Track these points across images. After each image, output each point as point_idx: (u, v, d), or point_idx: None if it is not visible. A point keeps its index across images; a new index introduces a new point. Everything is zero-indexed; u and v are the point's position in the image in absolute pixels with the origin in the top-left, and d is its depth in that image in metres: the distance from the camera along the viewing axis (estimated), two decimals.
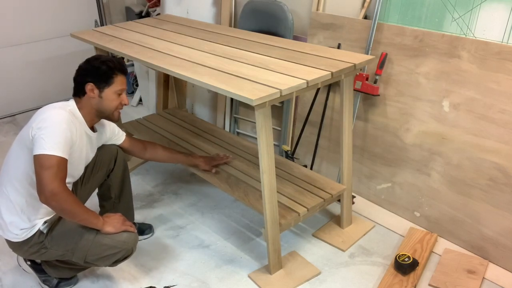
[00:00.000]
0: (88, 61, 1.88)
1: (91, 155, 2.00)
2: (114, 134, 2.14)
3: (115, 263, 1.86)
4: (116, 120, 1.96)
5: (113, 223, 1.83)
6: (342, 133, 2.18)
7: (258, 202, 2.12)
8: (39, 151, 1.66)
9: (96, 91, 1.83)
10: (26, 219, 1.79)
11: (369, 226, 2.42)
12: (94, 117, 1.90)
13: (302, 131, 2.76)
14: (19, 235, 1.80)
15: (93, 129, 1.96)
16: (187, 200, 2.70)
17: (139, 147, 2.24)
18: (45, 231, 1.81)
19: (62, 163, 1.68)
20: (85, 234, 1.81)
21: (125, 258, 1.86)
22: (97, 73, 1.83)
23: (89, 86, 1.83)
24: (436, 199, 2.30)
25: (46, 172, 1.64)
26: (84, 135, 1.88)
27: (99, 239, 1.80)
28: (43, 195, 1.65)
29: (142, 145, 2.26)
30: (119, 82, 1.87)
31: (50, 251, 1.83)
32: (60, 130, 1.69)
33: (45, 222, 1.81)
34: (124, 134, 2.20)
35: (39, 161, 1.65)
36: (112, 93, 1.86)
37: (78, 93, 1.86)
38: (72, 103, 1.85)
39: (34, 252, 1.84)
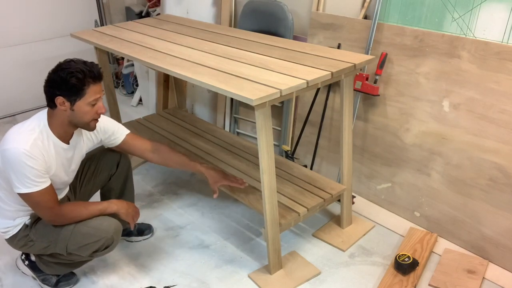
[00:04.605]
0: (56, 70, 1.70)
1: (74, 166, 1.93)
2: (109, 135, 2.02)
3: (96, 252, 1.86)
4: (93, 130, 1.84)
5: (121, 205, 1.95)
6: (342, 133, 2.18)
7: (258, 202, 2.12)
8: (19, 190, 1.70)
9: (67, 103, 1.70)
10: (13, 220, 1.88)
11: (369, 226, 2.42)
12: (69, 128, 1.80)
13: (302, 131, 2.76)
14: (7, 232, 1.88)
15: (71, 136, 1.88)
16: (187, 200, 2.70)
17: (142, 149, 2.09)
18: (29, 224, 1.87)
19: (47, 191, 1.73)
20: (65, 224, 1.85)
21: (106, 247, 1.86)
22: (66, 86, 1.67)
23: (59, 100, 1.69)
24: (436, 199, 2.30)
25: (37, 207, 1.76)
26: (60, 149, 1.80)
27: (78, 228, 1.83)
28: (48, 221, 1.82)
29: (147, 146, 2.10)
30: (91, 92, 1.71)
31: (36, 243, 1.88)
32: (27, 167, 1.66)
33: (29, 216, 1.88)
34: (125, 134, 2.07)
35: (26, 198, 1.73)
36: (85, 105, 1.71)
37: (50, 104, 1.73)
38: (43, 120, 1.75)
39: (23, 245, 1.90)
